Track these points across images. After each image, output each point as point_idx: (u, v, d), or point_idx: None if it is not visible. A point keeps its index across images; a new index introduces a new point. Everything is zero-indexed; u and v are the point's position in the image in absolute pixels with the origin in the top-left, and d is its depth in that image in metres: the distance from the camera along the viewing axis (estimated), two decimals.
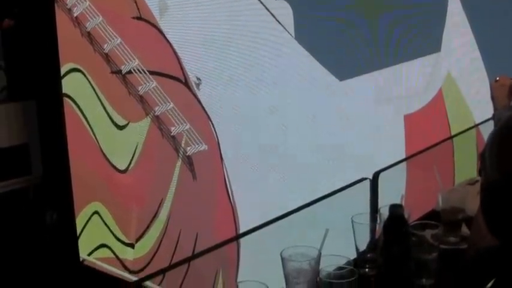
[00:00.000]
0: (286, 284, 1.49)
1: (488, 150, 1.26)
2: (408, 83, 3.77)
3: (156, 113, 2.87)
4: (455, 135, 2.43)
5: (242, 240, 1.64)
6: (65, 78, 2.92)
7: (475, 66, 4.31)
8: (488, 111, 2.19)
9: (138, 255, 3.04)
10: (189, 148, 2.90)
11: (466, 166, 2.01)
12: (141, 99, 2.89)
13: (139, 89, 2.85)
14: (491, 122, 2.14)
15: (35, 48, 3.54)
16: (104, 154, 3.00)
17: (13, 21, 3.60)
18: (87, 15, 2.77)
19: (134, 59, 2.81)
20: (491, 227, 1.27)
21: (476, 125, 2.45)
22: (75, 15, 2.81)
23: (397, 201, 1.65)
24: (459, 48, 4.22)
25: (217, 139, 2.94)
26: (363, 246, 1.69)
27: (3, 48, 3.63)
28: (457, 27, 4.17)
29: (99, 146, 2.99)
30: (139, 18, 2.81)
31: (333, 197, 1.93)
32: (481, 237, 1.51)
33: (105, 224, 3.09)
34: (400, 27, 3.69)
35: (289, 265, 1.48)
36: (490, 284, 1.34)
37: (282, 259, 1.49)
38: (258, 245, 1.73)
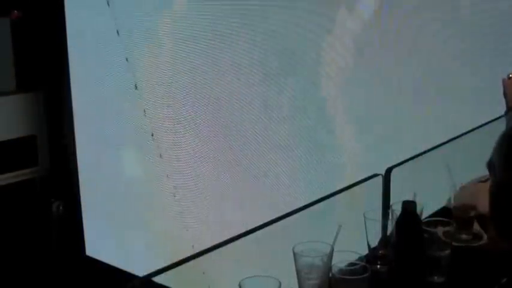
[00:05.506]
0: (298, 280, 1.49)
1: (497, 151, 1.25)
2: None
3: None
4: (467, 132, 2.41)
5: (253, 236, 1.63)
6: None
7: None
8: (500, 108, 2.17)
9: None
10: None
11: (478, 163, 2.00)
12: None
13: None
14: (503, 119, 2.12)
15: (43, 40, 3.54)
16: None
17: (22, 13, 3.60)
18: None
19: None
20: (499, 230, 1.25)
21: (488, 122, 2.43)
22: None
23: (409, 197, 1.64)
24: None
25: None
26: (374, 243, 1.68)
27: (13, 40, 3.63)
28: None
29: None
30: None
31: (345, 193, 1.92)
32: None
33: None
34: None
35: (302, 261, 1.47)
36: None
37: (294, 254, 1.48)
38: (269, 240, 1.72)
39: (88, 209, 3.71)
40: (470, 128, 2.48)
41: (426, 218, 1.75)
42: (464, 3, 3.11)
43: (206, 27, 3.09)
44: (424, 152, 2.22)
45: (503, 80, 2.11)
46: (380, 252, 1.68)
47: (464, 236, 1.84)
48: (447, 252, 1.63)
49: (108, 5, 3.24)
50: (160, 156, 3.41)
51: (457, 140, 2.34)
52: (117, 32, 3.25)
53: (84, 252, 3.67)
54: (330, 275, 1.46)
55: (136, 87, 3.32)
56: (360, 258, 1.54)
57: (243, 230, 1.65)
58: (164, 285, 1.53)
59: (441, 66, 3.04)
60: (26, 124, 3.59)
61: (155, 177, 3.45)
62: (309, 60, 3.10)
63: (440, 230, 1.67)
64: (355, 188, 1.96)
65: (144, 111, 3.41)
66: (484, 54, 3.03)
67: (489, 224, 1.72)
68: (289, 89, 3.12)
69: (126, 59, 3.39)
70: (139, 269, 2.46)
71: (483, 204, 1.83)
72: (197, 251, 1.58)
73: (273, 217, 1.73)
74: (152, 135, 3.41)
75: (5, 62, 3.60)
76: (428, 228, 1.64)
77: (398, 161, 2.11)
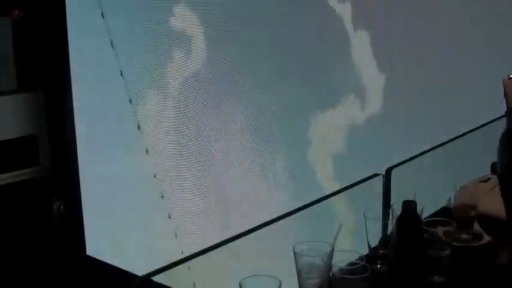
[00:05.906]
0: (299, 279, 1.49)
1: (499, 151, 1.27)
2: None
3: None
4: (468, 132, 2.41)
5: (254, 235, 1.63)
6: None
7: None
8: (500, 108, 2.17)
9: None
10: None
11: (478, 163, 2.00)
12: None
13: None
14: (503, 119, 2.11)
15: (44, 40, 3.54)
16: None
17: (23, 13, 3.60)
18: None
19: None
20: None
21: (488, 122, 2.43)
22: None
23: (409, 197, 1.63)
24: None
25: None
26: (374, 242, 1.68)
27: (14, 40, 3.63)
28: None
29: None
30: None
31: (345, 193, 1.92)
32: None
33: None
34: None
35: (302, 260, 1.47)
36: None
37: (295, 254, 1.48)
38: (269, 240, 1.72)
39: (88, 209, 3.71)
40: (470, 128, 2.48)
41: (426, 218, 1.75)
42: (464, 3, 3.11)
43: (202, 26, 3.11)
44: (424, 152, 2.22)
45: (504, 81, 2.11)
46: (380, 252, 1.68)
47: (464, 236, 1.84)
48: (447, 252, 1.63)
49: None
50: (161, 155, 3.42)
51: (457, 140, 2.34)
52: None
53: (85, 252, 3.67)
54: (330, 274, 1.46)
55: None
56: (360, 258, 1.54)
57: (243, 230, 1.65)
58: (164, 285, 1.53)
59: (442, 66, 3.04)
60: (26, 123, 3.59)
61: (155, 177, 3.45)
62: (310, 61, 3.10)
63: (440, 230, 1.67)
64: (355, 188, 1.96)
65: (144, 111, 3.42)
66: (485, 54, 3.03)
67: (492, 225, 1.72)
68: (290, 90, 3.13)
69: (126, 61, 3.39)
70: (139, 268, 2.47)
71: (483, 204, 1.84)
72: (197, 250, 1.58)
73: (273, 217, 1.73)
74: (152, 135, 3.41)
75: (6, 61, 3.60)
76: (428, 228, 1.64)
77: (398, 161, 2.12)
